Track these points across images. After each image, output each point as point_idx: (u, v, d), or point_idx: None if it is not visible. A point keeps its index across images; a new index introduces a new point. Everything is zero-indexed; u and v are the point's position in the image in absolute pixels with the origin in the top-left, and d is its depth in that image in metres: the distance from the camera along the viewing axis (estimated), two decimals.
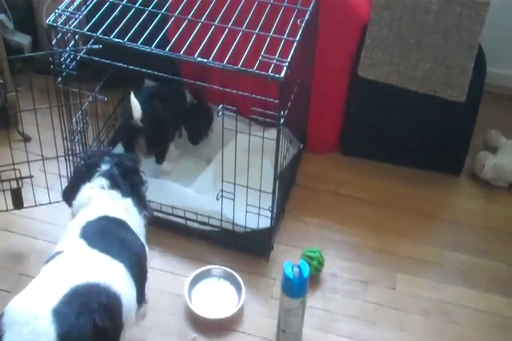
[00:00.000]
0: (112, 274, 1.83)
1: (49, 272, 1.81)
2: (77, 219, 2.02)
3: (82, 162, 2.22)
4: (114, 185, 2.09)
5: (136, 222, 2.08)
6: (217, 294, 2.42)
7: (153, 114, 2.58)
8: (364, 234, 2.69)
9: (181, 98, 2.82)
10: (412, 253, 2.63)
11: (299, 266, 2.37)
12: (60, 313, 1.64)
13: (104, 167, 2.11)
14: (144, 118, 2.54)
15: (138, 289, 1.94)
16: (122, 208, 2.06)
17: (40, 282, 1.77)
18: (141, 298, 2.00)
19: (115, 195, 2.08)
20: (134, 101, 2.49)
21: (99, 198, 2.06)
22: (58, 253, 1.88)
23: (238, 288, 2.41)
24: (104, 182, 2.08)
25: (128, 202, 2.09)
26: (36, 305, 1.67)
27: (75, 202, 2.10)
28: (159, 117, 2.62)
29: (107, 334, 1.73)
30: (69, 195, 2.15)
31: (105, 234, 1.95)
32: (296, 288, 2.36)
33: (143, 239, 2.09)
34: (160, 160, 2.72)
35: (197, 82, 2.34)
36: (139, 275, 1.97)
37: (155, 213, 2.59)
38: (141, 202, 2.14)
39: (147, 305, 2.17)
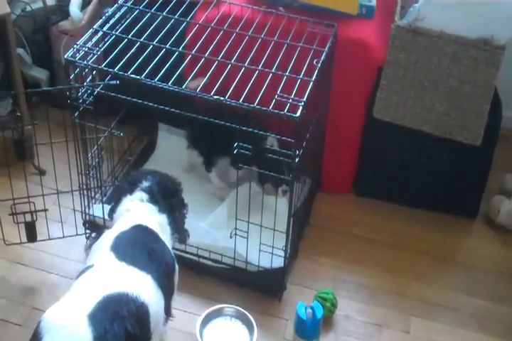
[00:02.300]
0: (140, 285, 1.88)
1: (81, 284, 1.87)
2: (113, 228, 2.08)
3: (125, 180, 2.30)
4: (153, 199, 2.16)
5: (166, 238, 2.13)
6: (228, 334, 2.38)
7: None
8: (378, 275, 2.66)
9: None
10: (426, 297, 2.60)
11: (312, 307, 2.35)
12: (95, 318, 1.71)
13: (146, 183, 2.19)
14: None
15: (165, 300, 1.99)
16: (156, 222, 2.12)
17: (72, 293, 1.83)
18: (168, 310, 2.05)
19: (152, 208, 2.15)
20: None
21: (137, 209, 2.13)
22: (89, 267, 1.94)
23: (250, 328, 2.37)
24: (143, 195, 2.16)
25: (163, 218, 2.15)
26: (72, 312, 1.74)
27: (115, 215, 2.19)
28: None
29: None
30: (112, 209, 2.22)
31: (135, 245, 2.01)
32: (310, 330, 2.33)
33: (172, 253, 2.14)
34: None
35: (212, 120, 2.34)
36: (167, 286, 2.01)
37: None
38: (175, 225, 2.20)
39: (167, 325, 2.15)
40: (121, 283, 1.85)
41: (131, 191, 2.19)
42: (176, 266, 2.13)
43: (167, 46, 2.35)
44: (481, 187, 2.84)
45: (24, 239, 2.52)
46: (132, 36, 2.39)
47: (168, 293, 2.03)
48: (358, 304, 2.56)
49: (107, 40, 2.41)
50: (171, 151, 2.97)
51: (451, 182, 2.83)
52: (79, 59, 2.30)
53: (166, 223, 2.16)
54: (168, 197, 2.21)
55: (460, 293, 2.62)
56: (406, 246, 2.77)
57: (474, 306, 2.58)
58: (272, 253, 2.46)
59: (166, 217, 2.16)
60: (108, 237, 2.03)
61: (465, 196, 2.87)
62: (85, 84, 2.35)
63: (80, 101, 2.36)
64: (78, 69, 2.32)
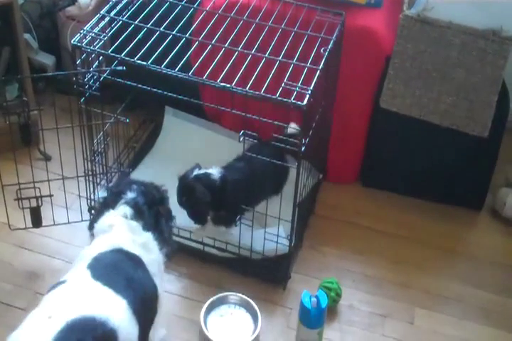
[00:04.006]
0: (111, 309, 1.78)
1: (48, 304, 1.78)
2: (91, 247, 1.98)
3: (109, 191, 2.17)
4: (137, 215, 2.04)
5: (153, 259, 2.02)
6: (233, 321, 2.37)
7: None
8: (382, 266, 2.65)
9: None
10: (430, 288, 2.59)
11: (316, 296, 2.34)
12: None
13: (130, 195, 2.07)
14: None
15: (142, 329, 1.87)
16: (140, 242, 2.01)
17: (37, 315, 1.74)
18: (143, 339, 1.92)
19: (136, 227, 2.03)
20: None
21: (119, 228, 2.01)
22: (61, 282, 1.85)
23: (254, 316, 2.36)
24: (127, 210, 2.04)
25: (148, 236, 2.04)
26: (35, 338, 1.65)
27: (96, 228, 2.07)
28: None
29: None
30: (91, 223, 2.12)
31: (114, 268, 1.90)
32: (314, 319, 2.32)
33: (157, 279, 2.01)
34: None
35: (219, 107, 2.33)
36: (144, 315, 1.89)
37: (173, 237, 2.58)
38: (162, 237, 2.08)
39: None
40: (90, 305, 1.76)
41: (114, 204, 2.06)
42: (160, 294, 2.01)
43: (174, 32, 2.34)
44: (487, 179, 2.82)
45: (29, 224, 2.52)
46: (139, 22, 2.37)
47: (145, 322, 1.92)
48: (362, 294, 2.55)
49: (114, 26, 2.39)
50: (176, 135, 2.97)
51: (457, 173, 2.82)
52: (85, 44, 2.28)
53: (151, 240, 2.04)
54: (154, 208, 2.09)
55: (465, 284, 2.61)
56: (411, 237, 2.76)
57: (479, 298, 2.57)
58: (277, 242, 2.46)
59: (152, 234, 2.04)
60: (87, 255, 1.93)
61: (471, 188, 2.86)
62: (92, 69, 2.34)
63: (86, 86, 2.34)
64: (85, 55, 2.30)
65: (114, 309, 1.78)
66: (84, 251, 1.97)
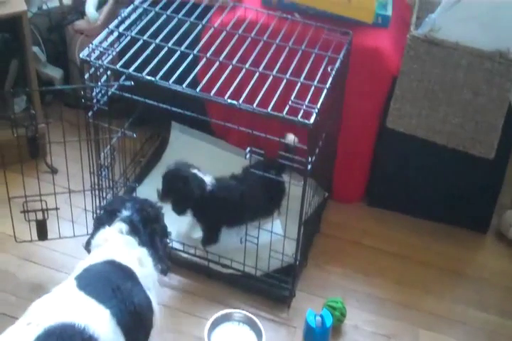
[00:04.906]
0: (92, 317, 1.78)
1: (29, 312, 1.79)
2: (86, 259, 2.00)
3: (104, 210, 2.18)
4: (133, 231, 2.05)
5: (146, 274, 2.02)
6: (236, 339, 2.35)
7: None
8: (387, 286, 2.64)
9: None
10: (435, 310, 2.57)
11: (321, 316, 2.33)
12: None
13: (125, 212, 2.09)
14: None
15: None
16: (135, 257, 2.01)
17: (18, 322, 1.75)
18: None
19: (131, 241, 2.04)
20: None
21: (114, 241, 2.03)
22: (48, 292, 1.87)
23: (258, 334, 2.35)
24: (123, 226, 2.05)
25: (143, 251, 2.04)
26: None
27: (92, 244, 2.08)
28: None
29: None
30: (88, 241, 2.12)
31: (101, 279, 1.90)
32: (318, 338, 2.32)
33: (152, 293, 2.00)
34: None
35: (225, 124, 2.33)
36: (133, 327, 1.88)
37: (178, 253, 2.57)
38: (157, 254, 2.08)
39: None
40: (71, 313, 1.76)
41: (110, 222, 2.08)
42: (155, 308, 1.99)
43: (182, 49, 2.35)
44: (493, 201, 2.82)
45: (35, 236, 2.51)
46: (147, 38, 2.38)
47: (136, 335, 1.91)
48: (366, 314, 2.53)
49: (122, 41, 2.40)
50: (182, 150, 2.96)
51: (463, 195, 2.82)
52: (94, 58, 2.29)
53: (146, 256, 2.04)
54: (149, 225, 2.10)
55: (469, 307, 2.60)
56: (416, 258, 2.75)
57: (483, 320, 2.56)
58: (282, 260, 2.46)
59: (147, 250, 2.05)
60: (78, 267, 1.96)
61: (477, 210, 2.85)
62: (100, 84, 2.34)
63: (94, 101, 2.34)
64: (93, 69, 2.31)
65: (95, 318, 1.78)
66: (79, 264, 1.98)
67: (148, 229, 2.08)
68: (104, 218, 2.11)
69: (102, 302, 1.82)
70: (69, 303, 1.81)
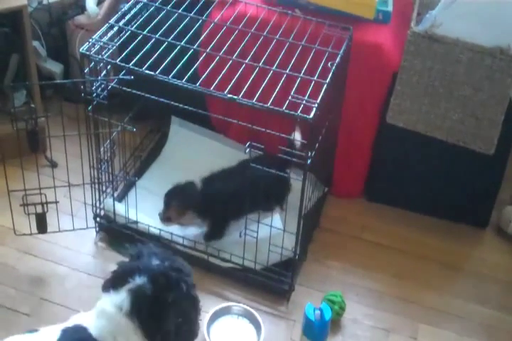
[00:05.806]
0: None
1: None
2: (85, 313, 1.73)
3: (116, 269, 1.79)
4: (134, 312, 1.63)
5: None
6: (236, 332, 2.36)
7: None
8: (387, 280, 2.64)
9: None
10: (434, 304, 2.57)
11: (320, 309, 2.33)
12: None
13: (138, 280, 1.65)
14: None
15: None
16: None
17: None
18: None
19: (127, 327, 1.63)
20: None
21: (107, 319, 1.66)
22: (33, 330, 1.69)
23: (257, 328, 2.35)
24: (125, 303, 1.64)
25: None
26: None
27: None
28: None
29: None
30: (106, 285, 1.76)
31: None
32: (318, 331, 2.31)
33: None
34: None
35: (225, 119, 2.33)
36: None
37: (176, 246, 2.57)
38: None
39: None
40: None
41: (120, 284, 1.68)
42: None
43: (182, 43, 2.35)
44: (493, 196, 2.82)
45: (34, 230, 2.52)
46: (147, 32, 2.38)
47: None
48: (366, 308, 2.53)
49: (122, 36, 2.40)
50: (182, 145, 2.97)
51: (463, 190, 2.82)
52: (94, 53, 2.29)
53: None
54: (166, 310, 1.62)
55: (468, 301, 2.60)
56: (415, 253, 2.75)
57: (483, 315, 2.56)
58: (282, 254, 2.45)
59: None
60: (73, 319, 1.71)
61: (476, 205, 2.85)
62: (99, 78, 2.34)
63: (94, 95, 2.35)
64: (93, 63, 2.32)
65: None
66: (80, 314, 1.74)
67: (159, 317, 1.62)
68: (119, 275, 1.72)
69: None
70: None
